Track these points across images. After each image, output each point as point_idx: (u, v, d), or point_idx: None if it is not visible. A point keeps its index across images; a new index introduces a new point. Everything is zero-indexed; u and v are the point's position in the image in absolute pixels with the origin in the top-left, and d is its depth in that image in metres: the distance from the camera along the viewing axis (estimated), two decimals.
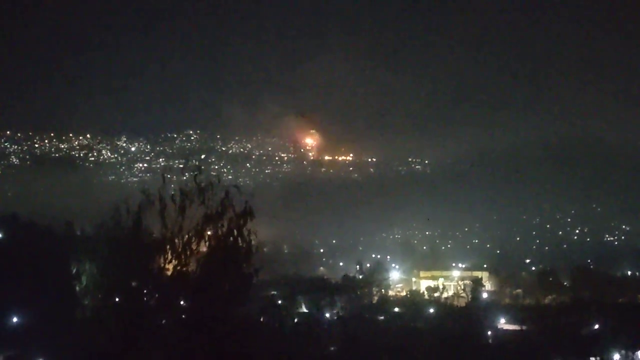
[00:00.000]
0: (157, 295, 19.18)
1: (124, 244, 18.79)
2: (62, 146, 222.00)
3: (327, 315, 74.60)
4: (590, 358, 55.45)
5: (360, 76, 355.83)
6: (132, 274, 18.86)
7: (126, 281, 18.82)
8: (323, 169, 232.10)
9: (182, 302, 19.70)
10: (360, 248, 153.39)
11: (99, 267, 19.23)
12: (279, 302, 77.30)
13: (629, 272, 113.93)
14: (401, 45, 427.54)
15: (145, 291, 19.26)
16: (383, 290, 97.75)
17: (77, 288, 19.49)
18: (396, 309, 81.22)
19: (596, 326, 63.64)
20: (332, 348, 51.46)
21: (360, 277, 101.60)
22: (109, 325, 18.74)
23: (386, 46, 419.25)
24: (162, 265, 18.98)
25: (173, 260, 18.79)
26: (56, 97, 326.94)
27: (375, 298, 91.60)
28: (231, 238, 19.00)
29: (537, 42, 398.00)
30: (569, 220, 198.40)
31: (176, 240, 18.91)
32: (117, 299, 18.96)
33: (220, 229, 19.06)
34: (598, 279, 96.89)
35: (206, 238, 19.14)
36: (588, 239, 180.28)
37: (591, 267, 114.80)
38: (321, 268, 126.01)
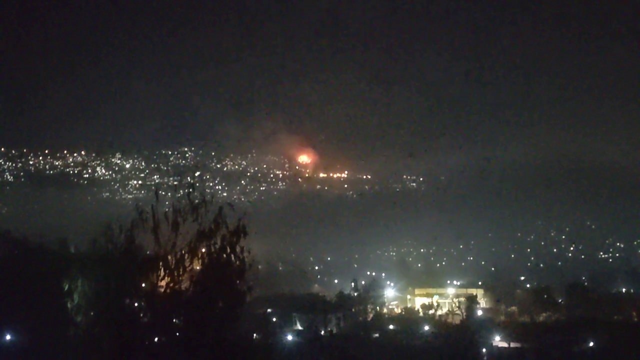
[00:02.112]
0: (150, 313, 19.13)
1: (117, 262, 18.77)
2: (57, 163, 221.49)
3: (322, 332, 74.38)
4: None
5: (355, 93, 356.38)
6: (125, 292, 18.83)
7: (119, 299, 18.79)
8: (318, 186, 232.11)
9: (175, 320, 19.64)
10: (355, 265, 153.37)
11: (92, 284, 19.18)
12: (274, 319, 77.19)
13: (623, 290, 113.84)
14: (396, 63, 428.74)
15: (138, 309, 19.20)
16: (378, 307, 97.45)
17: (69, 306, 19.40)
18: (391, 327, 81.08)
19: (590, 344, 63.60)
20: None
21: (355, 294, 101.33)
22: (101, 343, 18.67)
23: (381, 63, 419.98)
24: (156, 282, 18.94)
25: (166, 278, 18.76)
26: (50, 114, 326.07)
27: (370, 315, 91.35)
28: (224, 255, 19.00)
29: (533, 60, 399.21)
30: (563, 237, 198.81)
31: (169, 258, 18.89)
32: (110, 317, 18.90)
33: (213, 246, 19.06)
34: (592, 297, 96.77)
35: (199, 255, 19.13)
36: (582, 257, 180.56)
37: (585, 284, 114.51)
38: (316, 285, 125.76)
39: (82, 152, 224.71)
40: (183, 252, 18.99)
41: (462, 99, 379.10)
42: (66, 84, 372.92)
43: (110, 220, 18.91)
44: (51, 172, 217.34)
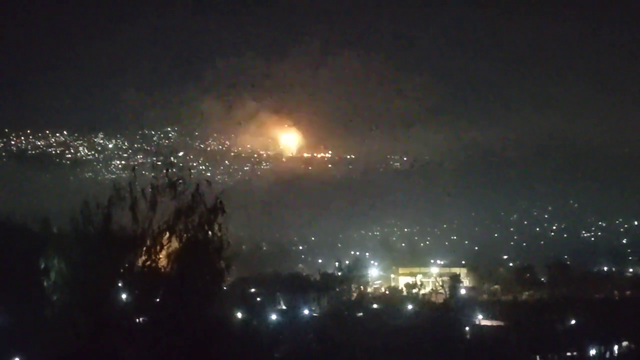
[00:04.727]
0: (127, 292, 18.92)
1: (94, 240, 18.50)
2: (39, 143, 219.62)
3: (306, 312, 74.59)
4: (567, 353, 55.89)
5: (340, 73, 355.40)
6: (102, 270, 18.57)
7: (96, 277, 18.53)
8: (302, 167, 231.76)
9: (153, 298, 19.42)
10: (339, 245, 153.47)
11: (69, 262, 18.89)
12: (258, 299, 77.31)
13: (605, 268, 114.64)
14: (382, 42, 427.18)
15: (115, 287, 18.98)
16: (362, 287, 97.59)
17: (46, 284, 19.14)
18: (375, 306, 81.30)
19: (572, 321, 64.09)
20: (311, 345, 51.45)
21: (339, 274, 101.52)
22: (78, 322, 18.43)
23: (366, 43, 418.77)
24: (133, 260, 18.72)
25: (144, 256, 18.54)
26: (32, 93, 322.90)
27: (354, 295, 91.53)
28: (202, 233, 18.81)
29: (519, 41, 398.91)
30: (546, 216, 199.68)
31: (147, 235, 18.65)
32: (86, 296, 18.64)
33: (191, 223, 18.85)
34: (574, 275, 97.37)
35: (177, 233, 18.91)
36: (565, 235, 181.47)
37: (568, 263, 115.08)
38: (300, 265, 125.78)
39: (65, 132, 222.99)
40: (161, 229, 18.76)
41: (446, 80, 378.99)
42: (48, 63, 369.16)
43: (87, 199, 18.64)
44: (33, 152, 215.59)
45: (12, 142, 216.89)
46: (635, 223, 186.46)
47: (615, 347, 56.91)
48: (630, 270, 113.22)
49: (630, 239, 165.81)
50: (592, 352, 55.94)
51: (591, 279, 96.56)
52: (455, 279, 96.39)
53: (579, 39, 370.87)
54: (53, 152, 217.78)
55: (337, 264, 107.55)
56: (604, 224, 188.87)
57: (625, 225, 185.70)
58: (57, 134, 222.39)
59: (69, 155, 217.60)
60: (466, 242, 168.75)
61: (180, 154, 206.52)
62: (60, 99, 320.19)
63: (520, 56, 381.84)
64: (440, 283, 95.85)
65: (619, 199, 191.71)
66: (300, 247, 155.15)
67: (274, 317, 66.18)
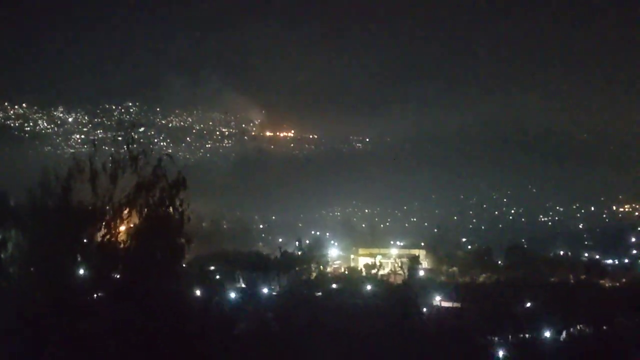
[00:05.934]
0: (86, 266, 18.69)
1: (53, 212, 18.22)
2: None
3: (266, 290, 74.56)
4: (522, 335, 56.64)
5: (303, 52, 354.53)
6: (60, 244, 18.30)
7: (54, 251, 18.25)
8: (264, 145, 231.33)
9: (112, 273, 19.21)
10: (300, 225, 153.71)
11: (27, 235, 18.60)
12: (217, 277, 77.03)
13: (561, 252, 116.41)
14: (345, 22, 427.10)
15: (74, 261, 18.71)
16: (321, 266, 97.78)
17: (2, 256, 18.82)
18: (334, 285, 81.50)
19: (528, 304, 64.94)
20: (270, 323, 51.40)
21: (299, 253, 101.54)
22: (35, 295, 18.19)
23: (329, 23, 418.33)
24: (92, 234, 18.47)
25: (103, 230, 18.32)
26: None
27: (314, 274, 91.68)
28: (163, 208, 18.62)
29: (482, 24, 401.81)
30: (504, 200, 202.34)
31: (107, 209, 18.43)
32: (44, 269, 18.37)
33: (151, 197, 18.63)
34: (531, 259, 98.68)
35: (138, 207, 18.69)
36: (523, 219, 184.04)
37: (525, 246, 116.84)
38: (260, 244, 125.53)
39: (24, 104, 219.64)
40: (121, 203, 18.53)
41: (409, 63, 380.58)
42: (6, 34, 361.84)
43: (46, 171, 18.35)
44: None
45: None
46: (592, 209, 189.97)
47: (570, 330, 57.82)
48: (586, 254, 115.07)
49: (586, 224, 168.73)
50: (547, 334, 56.76)
51: (548, 263, 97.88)
52: (414, 261, 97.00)
53: (541, 19, 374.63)
54: (12, 124, 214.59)
55: (297, 243, 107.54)
56: (561, 209, 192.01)
57: (582, 211, 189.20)
58: (16, 107, 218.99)
59: (28, 128, 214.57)
60: (426, 224, 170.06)
61: (142, 129, 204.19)
62: (19, 70, 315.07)
63: (484, 43, 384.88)
64: (399, 264, 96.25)
65: (577, 184, 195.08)
66: (261, 226, 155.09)
67: (233, 295, 65.98)
